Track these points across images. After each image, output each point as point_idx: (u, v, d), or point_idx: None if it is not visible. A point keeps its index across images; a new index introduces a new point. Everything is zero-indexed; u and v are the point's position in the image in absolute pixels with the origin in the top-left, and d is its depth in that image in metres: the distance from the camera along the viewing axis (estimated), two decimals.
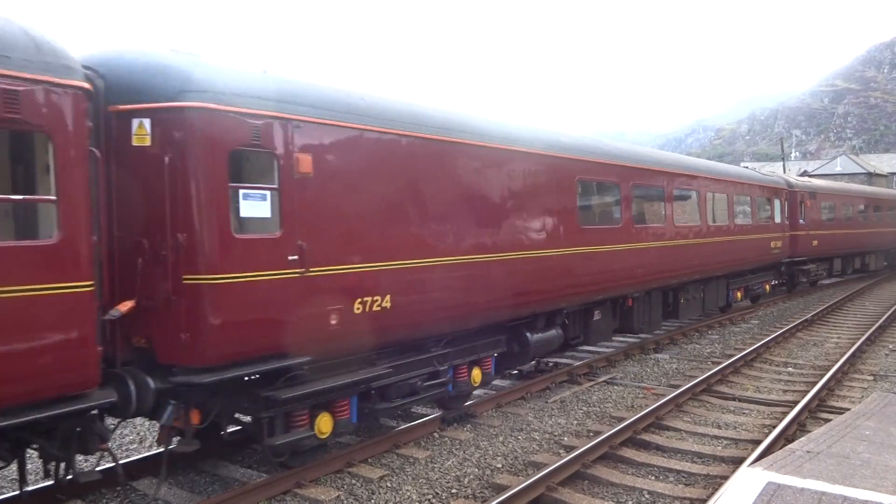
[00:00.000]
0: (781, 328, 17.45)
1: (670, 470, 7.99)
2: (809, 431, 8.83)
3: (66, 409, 5.34)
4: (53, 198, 5.23)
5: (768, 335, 16.41)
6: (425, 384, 8.83)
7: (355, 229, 7.50)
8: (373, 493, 7.29)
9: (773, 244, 21.37)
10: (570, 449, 8.48)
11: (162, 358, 6.25)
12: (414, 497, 7.21)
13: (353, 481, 7.64)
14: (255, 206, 6.60)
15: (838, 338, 16.74)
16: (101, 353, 5.67)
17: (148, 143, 6.17)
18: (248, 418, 7.36)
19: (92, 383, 5.59)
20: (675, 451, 8.67)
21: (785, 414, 9.76)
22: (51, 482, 6.37)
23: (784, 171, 42.01)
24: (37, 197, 5.62)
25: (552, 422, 9.84)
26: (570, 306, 11.86)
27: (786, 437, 8.81)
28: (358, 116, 7.61)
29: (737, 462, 7.96)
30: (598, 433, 8.97)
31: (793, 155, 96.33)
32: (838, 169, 79.31)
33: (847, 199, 30.18)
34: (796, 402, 10.31)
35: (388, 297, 7.77)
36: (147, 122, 6.17)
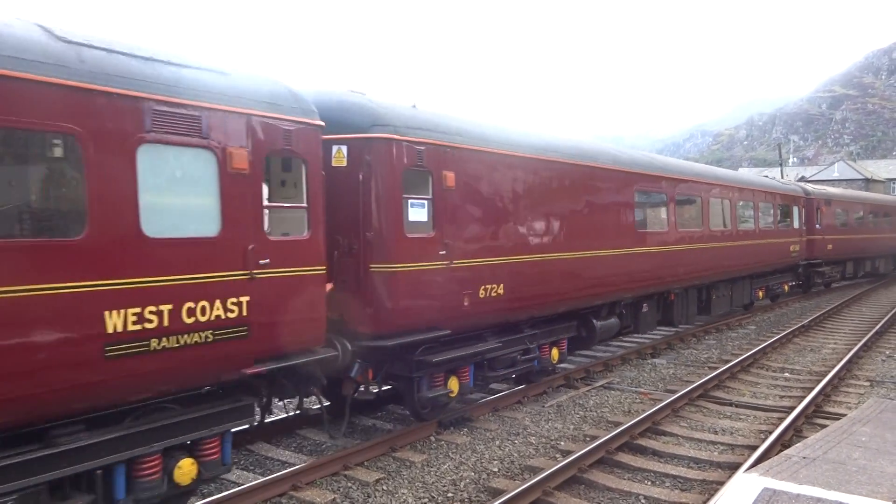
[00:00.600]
0: (778, 333, 17.48)
1: (666, 475, 7.98)
2: (806, 437, 8.83)
3: (315, 358, 7.22)
4: (305, 205, 7.07)
5: (765, 340, 16.43)
6: (521, 358, 10.77)
7: (482, 231, 9.55)
8: (369, 497, 7.29)
9: (791, 247, 23.04)
10: (566, 453, 8.48)
11: (351, 327, 8.07)
12: (410, 501, 7.21)
13: (349, 484, 7.63)
14: (418, 212, 8.56)
15: (835, 343, 16.76)
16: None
17: (344, 164, 8.18)
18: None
19: (321, 342, 7.39)
20: (671, 456, 8.67)
21: (781, 419, 9.77)
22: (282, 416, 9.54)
23: (782, 177, 42.79)
24: (297, 205, 7.17)
25: (549, 426, 9.84)
26: (626, 299, 13.77)
27: (782, 443, 8.82)
28: (485, 141, 9.63)
29: (733, 467, 7.97)
30: (594, 438, 8.97)
31: (791, 160, 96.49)
32: (836, 175, 79.46)
33: (858, 206, 31.62)
34: (793, 408, 10.32)
35: (501, 286, 9.74)
36: (344, 148, 8.19)
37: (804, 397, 10.92)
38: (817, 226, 25.73)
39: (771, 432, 9.12)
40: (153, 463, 5.91)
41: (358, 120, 8.24)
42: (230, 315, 6.24)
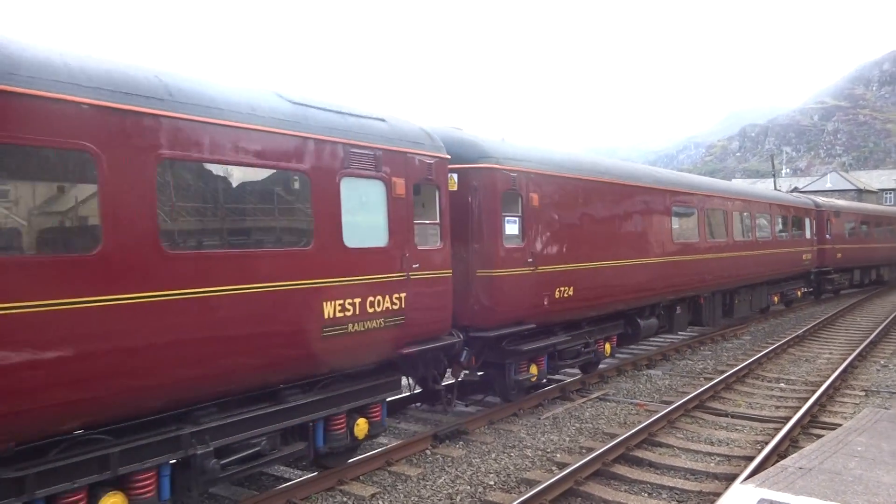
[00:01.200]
0: (773, 344, 17.50)
1: (663, 487, 7.96)
2: (801, 447, 8.83)
3: (448, 342, 9.24)
4: (438, 222, 9.10)
5: (760, 351, 16.44)
6: (584, 350, 12.58)
7: (558, 242, 11.41)
8: None
9: (804, 256, 25.20)
10: (562, 466, 8.45)
11: (460, 321, 9.70)
12: None
13: (345, 499, 7.59)
14: (512, 227, 10.38)
15: (830, 353, 16.79)
16: None
17: (455, 188, 9.81)
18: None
19: (448, 331, 9.27)
20: (667, 467, 8.64)
21: (777, 430, 9.77)
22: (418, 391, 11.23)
23: (775, 188, 43.65)
24: (433, 222, 9.10)
25: (545, 438, 9.81)
26: (664, 302, 15.56)
27: (778, 454, 8.81)
28: (559, 167, 11.60)
29: (730, 478, 7.95)
30: (590, 450, 8.95)
31: (783, 171, 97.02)
32: (828, 185, 79.89)
33: (864, 217, 33.54)
34: (788, 418, 10.31)
35: (571, 288, 11.57)
36: (456, 176, 9.80)
37: (800, 407, 10.92)
38: (827, 236, 27.54)
39: (767, 443, 9.12)
40: (341, 421, 7.83)
41: (468, 153, 10.05)
42: (394, 307, 8.12)
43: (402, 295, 8.21)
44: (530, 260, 10.64)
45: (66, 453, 5.43)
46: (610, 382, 13.53)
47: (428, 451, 9.17)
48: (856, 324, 22.38)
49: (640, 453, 9.08)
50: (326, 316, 7.18)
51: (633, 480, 8.16)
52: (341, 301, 7.37)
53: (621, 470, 8.46)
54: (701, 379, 13.79)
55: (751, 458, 8.53)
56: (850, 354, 15.79)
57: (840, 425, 9.74)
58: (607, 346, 13.51)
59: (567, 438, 9.84)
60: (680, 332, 17.74)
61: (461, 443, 9.56)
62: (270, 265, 6.71)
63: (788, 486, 6.77)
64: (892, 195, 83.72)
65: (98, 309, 5.33)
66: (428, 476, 8.28)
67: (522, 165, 10.65)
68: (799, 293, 26.24)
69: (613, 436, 9.61)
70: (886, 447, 8.19)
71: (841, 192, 70.58)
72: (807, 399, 11.51)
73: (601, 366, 14.09)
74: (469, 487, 7.92)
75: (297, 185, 7.27)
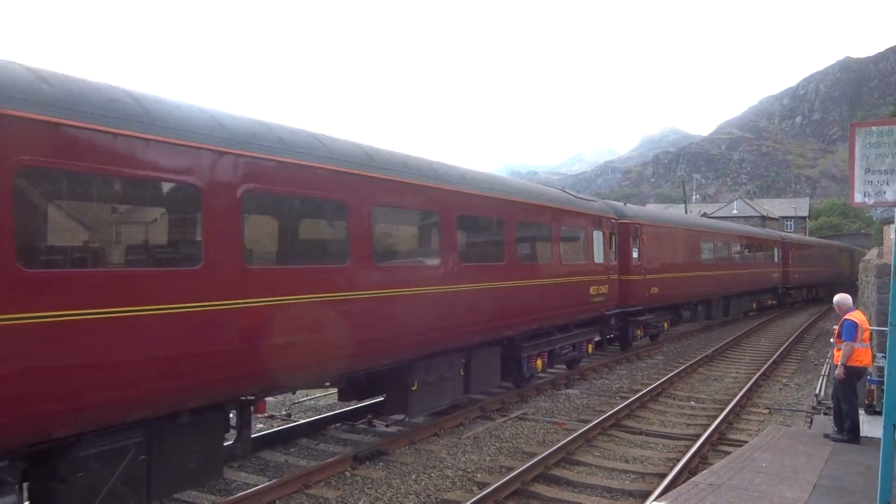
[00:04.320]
0: (684, 364, 18.16)
1: None
2: (711, 464, 9.15)
3: (621, 311, 18.82)
4: (614, 250, 18.11)
5: (672, 370, 17.02)
6: (656, 324, 21.92)
7: (654, 262, 20.71)
8: None
9: (773, 275, 36.37)
10: (482, 486, 8.46)
11: (615, 305, 18.24)
12: None
13: None
14: (635, 253, 19.37)
15: (736, 372, 17.55)
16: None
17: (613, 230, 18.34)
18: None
19: (615, 306, 18.09)
20: (584, 485, 8.78)
21: (688, 447, 10.09)
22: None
23: (686, 213, 47.00)
24: (612, 251, 17.77)
25: (465, 458, 9.80)
26: (693, 301, 25.70)
27: (689, 470, 9.09)
28: (656, 219, 22.55)
29: (643, 496, 8.14)
30: (510, 469, 8.99)
31: (693, 197, 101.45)
32: (735, 212, 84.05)
33: (808, 247, 45.30)
34: (699, 436, 10.69)
35: (657, 288, 20.70)
36: (611, 222, 18.15)
37: (709, 425, 11.34)
38: (790, 261, 38.48)
39: (679, 460, 9.40)
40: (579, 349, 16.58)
41: (618, 213, 19.09)
42: (602, 291, 16.63)
43: (606, 287, 17.01)
44: (642, 271, 19.80)
45: None
46: (529, 402, 13.68)
47: (347, 473, 9.00)
48: (759, 345, 23.51)
49: (558, 472, 9.19)
50: (592, 293, 16.19)
51: (551, 499, 8.24)
52: (594, 287, 16.33)
53: (540, 489, 8.54)
54: (617, 398, 14.13)
55: (664, 476, 8.77)
56: (754, 374, 16.56)
57: (746, 442, 10.16)
58: (666, 324, 22.88)
59: (487, 458, 9.86)
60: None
61: (381, 464, 9.44)
62: (570, 271, 15.04)
63: (699, 503, 6.99)
64: (791, 222, 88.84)
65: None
66: (347, 499, 8.11)
67: (639, 220, 20.22)
68: (769, 302, 37.52)
69: (532, 455, 9.70)
70: (788, 462, 8.59)
71: (746, 219, 74.42)
72: (715, 417, 11.97)
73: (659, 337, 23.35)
74: None
75: (582, 237, 16.26)
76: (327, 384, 10.50)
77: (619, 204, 20.79)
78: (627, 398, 13.56)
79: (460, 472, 9.16)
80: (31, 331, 5.11)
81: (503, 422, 11.94)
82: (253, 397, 7.81)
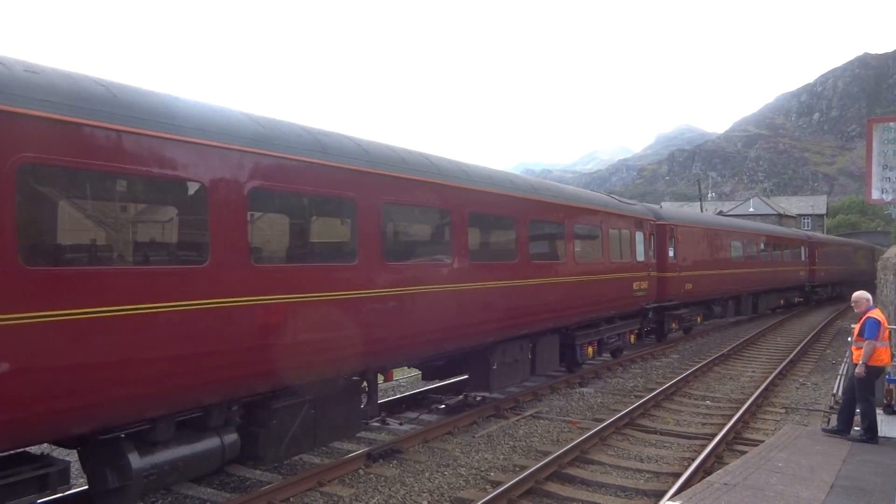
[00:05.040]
0: (700, 363, 18.04)
1: None
2: (726, 463, 9.08)
3: (657, 305, 20.45)
4: (653, 250, 19.55)
5: (687, 369, 16.92)
6: (690, 317, 23.79)
7: (689, 260, 22.36)
8: None
9: (801, 273, 37.86)
10: (496, 484, 8.45)
11: (654, 300, 19.88)
12: None
13: None
14: (671, 251, 20.93)
15: (753, 372, 17.40)
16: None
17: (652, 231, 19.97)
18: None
19: (654, 301, 19.91)
20: (599, 484, 8.75)
21: (703, 447, 10.02)
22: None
23: (701, 211, 47.14)
24: (650, 250, 19.31)
25: (479, 457, 9.80)
26: (728, 297, 27.77)
27: (704, 470, 9.03)
28: (690, 221, 23.97)
29: (658, 495, 8.09)
30: (524, 468, 8.97)
31: (709, 195, 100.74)
32: (751, 210, 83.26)
33: (835, 246, 47.06)
34: (714, 435, 10.61)
35: (691, 284, 22.27)
36: (650, 224, 19.75)
37: (724, 424, 11.25)
38: (816, 260, 39.71)
39: (694, 460, 9.34)
40: (625, 335, 18.32)
41: (656, 216, 20.57)
42: (643, 286, 18.29)
43: (646, 283, 18.53)
44: (678, 268, 21.35)
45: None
46: (543, 400, 13.64)
47: (361, 471, 9.02)
48: (776, 343, 23.31)
49: (572, 471, 9.16)
50: (634, 288, 17.61)
51: (565, 498, 8.22)
52: (636, 283, 17.78)
53: (553, 487, 8.51)
54: (632, 397, 14.06)
55: (678, 475, 8.71)
56: (771, 373, 16.42)
57: (762, 441, 10.06)
58: (699, 318, 24.99)
59: (501, 456, 9.85)
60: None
61: (395, 462, 9.45)
62: (617, 268, 16.63)
63: (714, 503, 6.94)
64: (809, 220, 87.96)
65: None
66: (360, 496, 8.13)
67: (675, 221, 21.72)
68: (796, 300, 38.95)
69: (546, 454, 9.67)
70: (805, 462, 8.50)
71: (763, 217, 73.68)
72: (731, 416, 11.87)
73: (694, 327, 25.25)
74: None
75: (627, 238, 17.60)
76: (424, 364, 12.47)
77: (656, 206, 24.67)
78: (642, 397, 13.49)
79: (474, 471, 9.16)
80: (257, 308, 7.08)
81: (517, 420, 11.91)
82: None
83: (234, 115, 7.30)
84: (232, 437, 7.19)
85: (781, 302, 35.58)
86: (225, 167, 6.79)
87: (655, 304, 20.09)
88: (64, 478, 5.71)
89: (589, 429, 10.96)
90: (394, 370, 11.67)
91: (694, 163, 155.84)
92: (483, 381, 12.10)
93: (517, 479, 8.27)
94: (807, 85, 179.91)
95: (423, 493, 8.29)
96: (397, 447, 9.87)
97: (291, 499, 7.96)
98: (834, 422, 10.25)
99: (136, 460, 6.19)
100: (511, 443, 10.58)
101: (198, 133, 6.55)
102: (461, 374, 12.77)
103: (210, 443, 6.98)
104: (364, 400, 9.53)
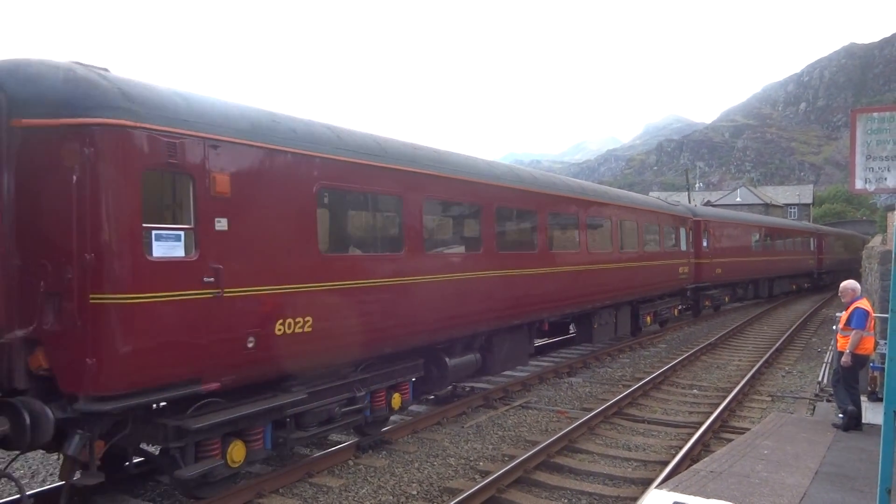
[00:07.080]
0: (687, 352, 18.18)
1: (582, 493, 8.11)
2: (713, 451, 9.18)
3: (694, 286, 25.62)
4: (691, 240, 24.41)
5: (675, 358, 17.04)
6: (722, 298, 29.17)
7: (719, 248, 27.37)
8: None
9: (809, 261, 42.90)
10: (485, 474, 8.50)
11: (692, 282, 24.63)
12: None
13: None
14: (703, 241, 25.55)
15: (739, 360, 17.56)
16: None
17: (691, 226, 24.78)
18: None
19: (693, 283, 25.62)
20: (587, 473, 8.82)
21: (690, 435, 10.12)
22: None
23: (689, 201, 47.43)
24: (686, 241, 24.15)
25: (468, 447, 9.84)
26: (749, 281, 32.48)
27: (691, 458, 9.12)
28: (721, 216, 30.06)
29: (646, 483, 8.17)
30: (512, 457, 9.03)
31: (697, 185, 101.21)
32: (738, 199, 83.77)
33: (837, 237, 52.18)
34: (701, 424, 10.71)
35: (721, 269, 27.17)
36: (690, 220, 24.68)
37: (711, 413, 11.36)
38: (823, 250, 45.13)
39: (681, 448, 9.43)
40: (656, 310, 21.59)
41: (691, 212, 24.94)
42: (685, 270, 22.87)
43: (687, 268, 22.40)
44: (710, 256, 25.26)
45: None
46: (532, 390, 13.72)
47: (351, 462, 9.05)
48: (763, 332, 23.52)
49: (560, 460, 9.23)
50: (679, 271, 22.13)
51: (553, 487, 8.28)
52: (681, 267, 22.09)
53: (542, 477, 8.58)
54: (619, 386, 14.16)
55: (665, 463, 8.80)
56: (757, 361, 16.57)
57: (748, 429, 10.18)
58: (726, 298, 29.15)
59: (490, 446, 9.90)
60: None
61: (384, 452, 9.49)
62: (669, 255, 21.54)
63: (700, 490, 7.02)
64: (795, 209, 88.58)
65: None
66: (350, 487, 8.16)
67: (707, 217, 26.03)
68: (805, 285, 43.61)
69: (535, 443, 9.73)
70: (790, 450, 8.61)
71: (750, 206, 74.22)
72: (718, 405, 11.99)
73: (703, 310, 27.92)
74: (392, 497, 7.85)
75: (670, 230, 22.06)
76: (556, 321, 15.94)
77: (692, 205, 30.17)
78: (630, 386, 13.59)
79: (463, 461, 9.21)
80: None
81: (506, 410, 11.98)
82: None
83: (403, 146, 9.77)
84: (479, 356, 11.77)
85: (794, 287, 40.38)
86: (409, 183, 9.42)
87: (693, 285, 24.63)
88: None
89: (577, 418, 11.04)
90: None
91: (682, 153, 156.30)
92: (587, 337, 16.95)
93: (506, 468, 8.32)
94: (794, 75, 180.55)
95: (413, 483, 8.33)
96: (386, 438, 9.90)
97: (281, 489, 7.97)
98: (821, 410, 10.36)
99: (449, 361, 10.98)
100: (500, 433, 10.64)
101: (394, 160, 9.21)
102: (567, 334, 19.09)
103: (473, 357, 11.65)
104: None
